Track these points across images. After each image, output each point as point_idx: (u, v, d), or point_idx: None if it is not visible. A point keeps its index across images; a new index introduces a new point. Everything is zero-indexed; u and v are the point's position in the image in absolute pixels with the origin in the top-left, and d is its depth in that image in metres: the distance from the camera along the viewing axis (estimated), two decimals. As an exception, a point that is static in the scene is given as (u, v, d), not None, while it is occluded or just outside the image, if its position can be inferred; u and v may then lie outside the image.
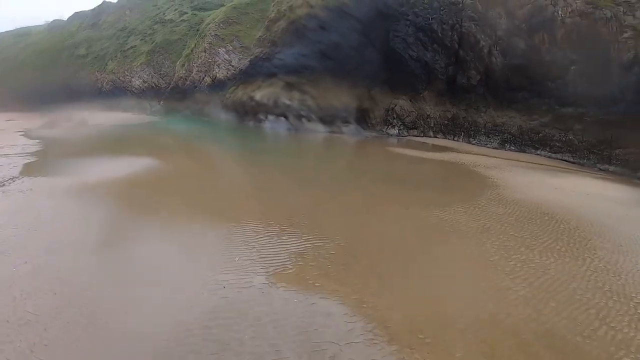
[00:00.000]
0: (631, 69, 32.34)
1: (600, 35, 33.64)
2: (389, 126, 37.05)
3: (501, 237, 13.04)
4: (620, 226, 14.90)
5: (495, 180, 21.85)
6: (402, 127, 36.65)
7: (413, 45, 36.77)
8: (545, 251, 12.14)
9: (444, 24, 36.20)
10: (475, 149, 33.02)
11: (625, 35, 33.45)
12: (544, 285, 10.05)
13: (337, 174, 23.61)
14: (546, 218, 15.18)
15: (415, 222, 14.35)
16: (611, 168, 29.86)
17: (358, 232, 12.92)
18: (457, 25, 35.86)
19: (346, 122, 37.11)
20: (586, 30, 33.84)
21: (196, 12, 60.75)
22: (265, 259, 10.76)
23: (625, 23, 33.74)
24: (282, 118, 39.59)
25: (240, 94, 44.30)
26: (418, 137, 35.59)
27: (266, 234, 12.42)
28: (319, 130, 37.89)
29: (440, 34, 36.13)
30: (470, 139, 34.66)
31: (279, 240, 11.93)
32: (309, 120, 38.26)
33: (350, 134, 36.34)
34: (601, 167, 30.02)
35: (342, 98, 37.20)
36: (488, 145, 33.20)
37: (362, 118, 37.91)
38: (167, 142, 33.22)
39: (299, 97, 39.14)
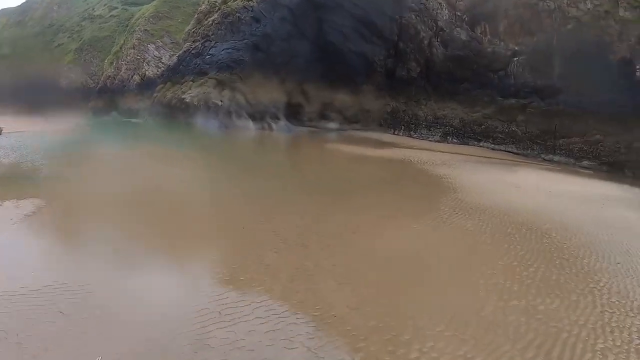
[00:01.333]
0: (573, 60, 31.07)
1: (543, 26, 32.15)
2: (328, 120, 34.29)
3: (486, 269, 9.66)
4: (603, 233, 12.76)
5: (449, 180, 19.34)
6: (342, 121, 34.03)
7: (351, 37, 34.26)
8: (545, 287, 8.94)
9: (383, 14, 33.80)
10: (417, 142, 30.95)
11: (569, 26, 32.11)
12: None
13: (261, 185, 17.64)
14: (524, 230, 12.50)
15: (370, 262, 9.77)
16: (556, 158, 29.13)
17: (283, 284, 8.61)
18: (396, 16, 33.54)
19: (276, 118, 34.03)
20: (529, 22, 32.27)
21: (127, 7, 56.58)
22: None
23: (569, 15, 32.48)
24: (213, 117, 36.04)
25: (169, 95, 40.48)
26: (359, 132, 32.89)
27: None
28: (249, 127, 34.63)
29: (379, 26, 33.68)
30: (411, 132, 32.62)
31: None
32: (239, 117, 34.95)
33: (280, 130, 33.25)
34: (545, 157, 29.14)
35: (272, 93, 34.23)
36: (430, 139, 31.53)
37: (293, 114, 34.98)
38: (70, 152, 26.83)
39: (230, 95, 35.81)
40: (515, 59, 31.33)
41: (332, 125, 33.81)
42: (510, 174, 22.17)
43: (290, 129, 33.35)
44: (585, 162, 29.02)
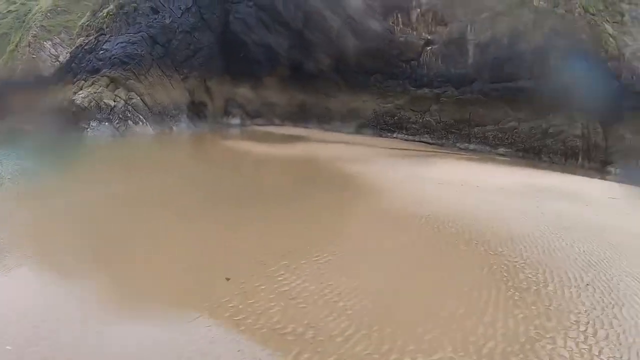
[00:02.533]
0: (487, 49, 29.85)
1: (456, 16, 30.66)
2: (230, 116, 31.24)
3: (414, 330, 6.39)
4: (557, 238, 10.70)
5: (366, 180, 16.73)
6: (244, 117, 31.06)
7: (255, 28, 31.40)
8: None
9: (289, 2, 31.23)
10: (329, 136, 28.90)
11: (483, 15, 30.78)
12: None
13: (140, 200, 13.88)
14: (462, 247, 9.61)
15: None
16: (471, 146, 28.59)
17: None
18: (302, 2, 31.06)
19: (177, 119, 30.56)
20: (442, 11, 30.70)
21: (25, 1, 50.99)
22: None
23: (484, 4, 31.21)
24: (106, 121, 31.93)
25: (60, 97, 35.98)
26: (263, 127, 30.07)
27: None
28: (148, 132, 30.88)
29: (284, 14, 31.02)
30: (324, 125, 30.30)
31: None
32: (136, 121, 31.12)
33: (182, 132, 29.79)
34: (461, 146, 28.63)
35: (172, 92, 30.70)
36: (343, 131, 29.51)
37: (196, 112, 31.65)
38: None
39: (125, 96, 31.91)
40: (428, 48, 29.71)
41: (235, 121, 30.83)
42: (429, 167, 20.64)
43: (192, 129, 29.96)
44: (501, 149, 28.38)
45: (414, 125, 28.97)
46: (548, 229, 11.36)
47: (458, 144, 28.09)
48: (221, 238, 10.03)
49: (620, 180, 27.30)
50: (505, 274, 8.40)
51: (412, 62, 29.15)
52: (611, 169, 29.86)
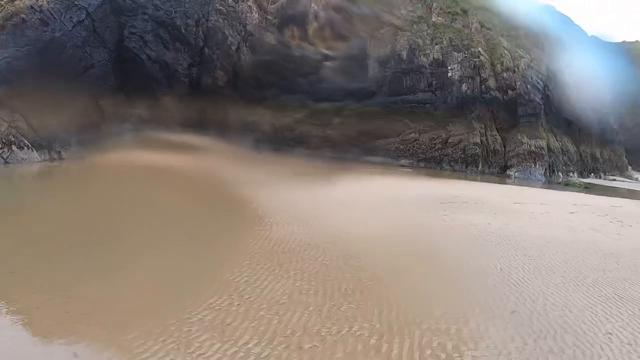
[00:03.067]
0: (387, 63, 30.08)
1: (355, 31, 30.76)
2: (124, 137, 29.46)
3: None
4: (471, 265, 8.89)
5: (260, 205, 13.50)
6: (140, 133, 29.44)
7: (152, 44, 29.84)
8: None
9: (189, 18, 30.09)
10: (227, 150, 26.70)
11: (382, 31, 31.11)
12: None
13: None
14: (382, 300, 6.83)
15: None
16: (374, 159, 28.34)
17: None
18: (203, 19, 30.01)
19: (66, 142, 28.43)
20: (341, 26, 30.68)
21: None
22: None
23: (383, 19, 31.56)
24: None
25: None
26: (158, 133, 27.87)
27: None
28: (34, 158, 28.44)
29: (183, 30, 29.85)
30: (221, 140, 28.88)
31: None
32: (21, 147, 28.63)
33: (72, 158, 27.41)
34: (364, 159, 28.16)
35: (61, 113, 28.51)
36: (241, 145, 27.57)
37: (88, 136, 29.58)
38: None
39: (9, 117, 29.37)
40: (327, 63, 29.43)
41: (130, 139, 28.89)
42: (330, 185, 18.66)
43: (83, 155, 27.76)
44: (403, 161, 28.82)
45: (314, 140, 28.23)
46: (461, 246, 10.11)
47: (361, 157, 27.83)
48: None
49: (520, 182, 28.96)
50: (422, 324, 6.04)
51: (310, 76, 28.66)
52: (510, 172, 31.46)
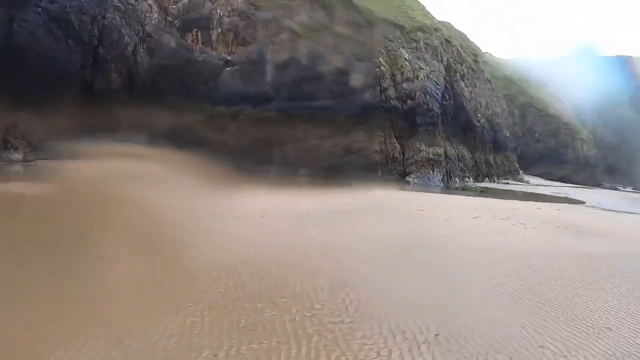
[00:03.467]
0: (286, 69, 30.53)
1: (258, 36, 31.04)
2: (11, 150, 27.15)
3: None
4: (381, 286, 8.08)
5: (144, 216, 11.85)
6: (28, 150, 27.31)
7: (43, 40, 28.47)
8: None
9: (84, 14, 28.99)
10: (118, 149, 25.33)
11: (283, 36, 31.56)
12: None
13: None
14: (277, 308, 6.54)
15: None
16: (272, 169, 27.56)
17: None
18: (99, 16, 29.06)
19: None
20: (244, 32, 30.84)
21: None
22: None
23: (284, 25, 31.98)
24: None
25: None
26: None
27: None
28: None
29: (77, 26, 28.75)
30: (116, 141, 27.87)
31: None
32: None
33: None
34: (261, 168, 26.94)
35: None
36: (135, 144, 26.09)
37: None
38: None
39: None
40: (227, 68, 29.47)
41: (16, 156, 25.93)
42: (226, 196, 17.27)
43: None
44: (302, 170, 28.46)
45: (213, 144, 27.11)
46: (366, 263, 8.99)
47: (258, 167, 27.12)
48: None
49: (419, 188, 30.13)
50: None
51: (211, 82, 28.56)
52: (409, 179, 32.77)
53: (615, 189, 64.80)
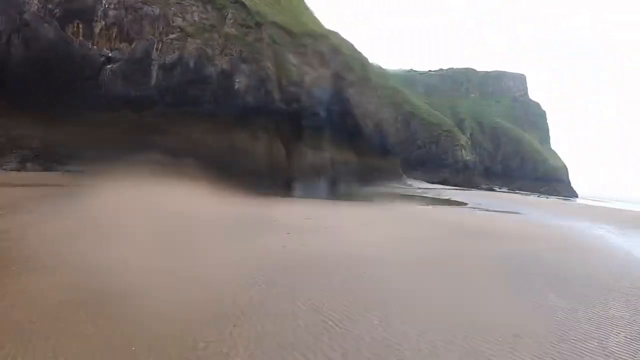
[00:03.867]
0: (173, 71, 31.15)
1: (144, 33, 31.27)
2: None
3: None
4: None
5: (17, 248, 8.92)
6: None
7: None
8: None
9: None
10: None
11: (172, 35, 32.05)
12: None
13: None
14: None
15: None
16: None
17: None
18: (-33, 0, 27.64)
19: None
20: (129, 27, 30.87)
21: None
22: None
23: (174, 24, 32.29)
24: None
25: None
26: None
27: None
28: None
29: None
30: None
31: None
32: None
33: None
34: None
35: None
36: (4, 167, 23.75)
37: None
38: None
39: None
40: (109, 66, 29.58)
41: None
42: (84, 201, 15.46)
43: None
44: (188, 159, 27.26)
45: (90, 154, 25.27)
46: (256, 284, 7.85)
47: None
48: None
49: (305, 196, 29.15)
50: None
51: (90, 81, 28.44)
52: (295, 186, 33.12)
53: (492, 190, 74.04)
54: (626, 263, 13.25)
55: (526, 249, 13.63)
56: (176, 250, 9.74)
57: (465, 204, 35.25)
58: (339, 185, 37.49)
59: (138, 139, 27.02)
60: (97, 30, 29.58)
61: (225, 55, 33.23)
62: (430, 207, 28.34)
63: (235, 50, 33.63)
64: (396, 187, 48.13)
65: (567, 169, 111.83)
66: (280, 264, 9.31)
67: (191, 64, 31.52)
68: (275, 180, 31.87)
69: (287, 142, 35.38)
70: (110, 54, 29.36)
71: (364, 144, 45.43)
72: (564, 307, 7.83)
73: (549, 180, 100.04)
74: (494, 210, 30.66)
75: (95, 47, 29.21)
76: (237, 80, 33.11)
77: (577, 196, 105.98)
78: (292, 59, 36.76)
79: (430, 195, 41.99)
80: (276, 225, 14.20)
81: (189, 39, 32.02)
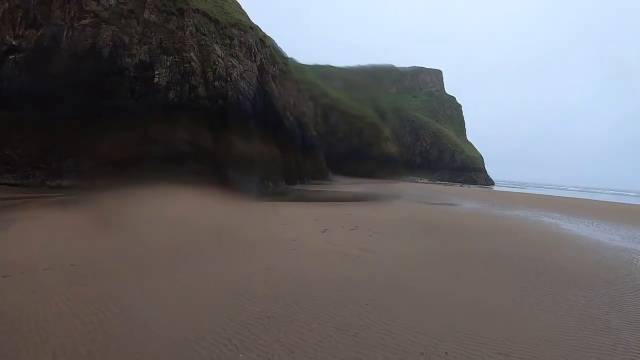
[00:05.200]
0: (85, 62, 28.64)
1: (53, 18, 28.49)
2: None
3: None
4: None
5: None
6: None
7: None
8: None
9: None
10: None
11: (84, 21, 29.47)
12: None
13: None
14: None
15: None
16: (65, 182, 24.57)
17: None
18: None
19: None
20: (36, 11, 27.99)
21: None
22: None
23: (87, 8, 29.58)
24: None
25: None
26: None
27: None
28: None
29: None
30: None
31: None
32: None
33: None
34: (52, 184, 24.16)
35: None
36: None
37: None
38: None
39: None
40: (11, 56, 26.67)
41: None
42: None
43: None
44: (100, 181, 24.27)
45: None
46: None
47: (48, 182, 23.83)
48: None
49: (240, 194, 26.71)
50: None
51: None
52: (229, 173, 30.51)
53: (415, 182, 76.53)
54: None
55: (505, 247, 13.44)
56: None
57: (400, 197, 35.53)
58: (267, 183, 35.88)
59: (47, 156, 24.72)
60: (-2, 14, 26.49)
61: (144, 44, 31.14)
62: (373, 205, 27.49)
63: (156, 39, 31.61)
64: (323, 184, 47.41)
65: (482, 158, 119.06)
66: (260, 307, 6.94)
67: (105, 54, 29.15)
68: (203, 165, 29.76)
69: (212, 140, 33.14)
70: (14, 42, 26.49)
71: (286, 137, 43.82)
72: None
73: (467, 169, 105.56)
74: (433, 203, 30.99)
75: (-6, 34, 26.16)
76: (157, 73, 31.05)
77: (493, 183, 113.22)
78: (218, 50, 35.29)
79: (361, 191, 41.51)
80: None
81: (104, 25, 29.64)
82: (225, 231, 14.05)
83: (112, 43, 29.63)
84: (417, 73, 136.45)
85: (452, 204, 31.68)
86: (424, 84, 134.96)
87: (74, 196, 21.10)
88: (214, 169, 30.88)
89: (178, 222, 15.05)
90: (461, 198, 39.50)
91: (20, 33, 26.70)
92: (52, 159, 25.31)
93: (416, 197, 36.88)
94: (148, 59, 31.05)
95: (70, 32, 28.41)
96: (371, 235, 14.22)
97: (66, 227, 13.21)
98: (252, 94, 37.14)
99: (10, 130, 24.68)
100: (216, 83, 34.33)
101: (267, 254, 10.70)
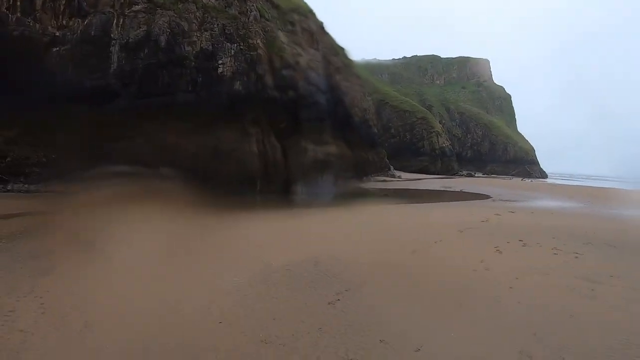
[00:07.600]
0: (139, 52, 24.47)
1: (100, 6, 24.38)
2: None
3: None
4: None
5: None
6: None
7: None
8: None
9: None
10: None
11: (137, 7, 25.32)
12: None
13: None
14: None
15: None
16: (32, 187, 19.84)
17: None
18: None
19: None
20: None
21: None
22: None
23: (138, -7, 25.63)
24: None
25: None
26: None
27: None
28: None
29: None
30: None
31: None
32: None
33: None
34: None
35: None
36: None
37: None
38: None
39: None
40: (55, 49, 22.65)
41: None
42: None
43: None
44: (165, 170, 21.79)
45: (36, 169, 19.70)
46: None
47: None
48: None
49: (308, 199, 24.63)
50: None
51: (32, 67, 21.51)
52: (295, 189, 27.18)
53: (472, 176, 71.06)
54: None
55: None
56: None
57: (489, 196, 30.57)
58: (339, 181, 31.75)
59: (97, 144, 20.50)
60: (38, 3, 22.63)
61: (205, 31, 26.78)
62: (467, 204, 23.96)
63: (218, 25, 27.21)
64: (387, 181, 44.56)
65: (534, 150, 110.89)
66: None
67: (162, 42, 25.02)
68: (270, 184, 26.38)
69: (282, 136, 28.82)
70: (57, 33, 22.50)
71: (355, 134, 39.66)
72: None
73: (520, 162, 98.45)
74: (536, 204, 25.42)
75: (37, 24, 22.30)
76: (220, 63, 26.65)
77: (547, 176, 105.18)
78: (282, 37, 30.56)
79: (438, 188, 38.19)
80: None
81: (159, 11, 25.45)
82: (394, 264, 9.37)
83: (169, 30, 25.31)
84: (464, 63, 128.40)
85: (561, 205, 25.52)
86: (471, 75, 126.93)
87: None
88: (282, 184, 27.26)
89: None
90: (551, 196, 33.05)
91: (64, 23, 22.65)
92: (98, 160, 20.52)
93: (503, 195, 31.46)
94: (210, 47, 26.65)
95: (121, 20, 24.20)
96: (556, 253, 10.15)
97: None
98: (323, 85, 32.16)
99: (56, 131, 20.57)
100: (284, 72, 29.66)
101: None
